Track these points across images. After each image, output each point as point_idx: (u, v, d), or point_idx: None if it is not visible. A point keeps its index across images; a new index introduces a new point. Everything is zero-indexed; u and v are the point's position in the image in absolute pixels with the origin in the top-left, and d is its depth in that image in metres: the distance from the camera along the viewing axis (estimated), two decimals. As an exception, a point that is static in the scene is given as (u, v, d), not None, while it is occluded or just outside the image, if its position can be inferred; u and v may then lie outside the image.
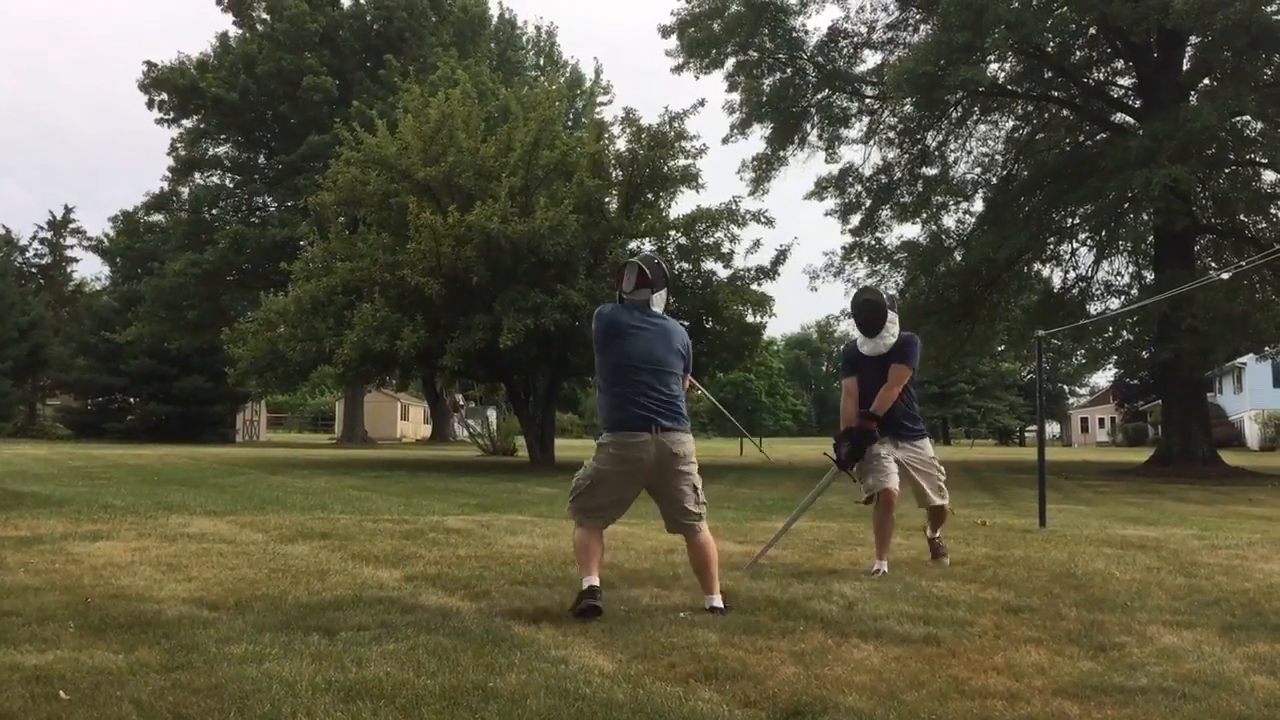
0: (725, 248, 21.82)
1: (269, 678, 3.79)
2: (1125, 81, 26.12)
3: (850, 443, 6.61)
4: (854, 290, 6.89)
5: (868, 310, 6.70)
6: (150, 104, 44.39)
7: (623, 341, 5.32)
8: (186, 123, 45.46)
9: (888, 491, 6.67)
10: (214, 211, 45.32)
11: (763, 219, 21.81)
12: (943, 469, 7.09)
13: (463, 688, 3.71)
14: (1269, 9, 18.70)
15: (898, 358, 6.64)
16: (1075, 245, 27.18)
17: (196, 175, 45.99)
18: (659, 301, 5.45)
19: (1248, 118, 21.15)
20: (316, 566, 6.52)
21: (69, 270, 63.90)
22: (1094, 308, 26.80)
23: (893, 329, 6.64)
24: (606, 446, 5.29)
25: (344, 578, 6.11)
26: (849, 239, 27.50)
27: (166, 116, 44.87)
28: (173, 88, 43.74)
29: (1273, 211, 23.44)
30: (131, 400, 46.67)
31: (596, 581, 5.15)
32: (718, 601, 5.20)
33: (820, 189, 27.20)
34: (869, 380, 6.74)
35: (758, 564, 6.73)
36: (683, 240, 21.77)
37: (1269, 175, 23.46)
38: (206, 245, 40.66)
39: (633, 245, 21.32)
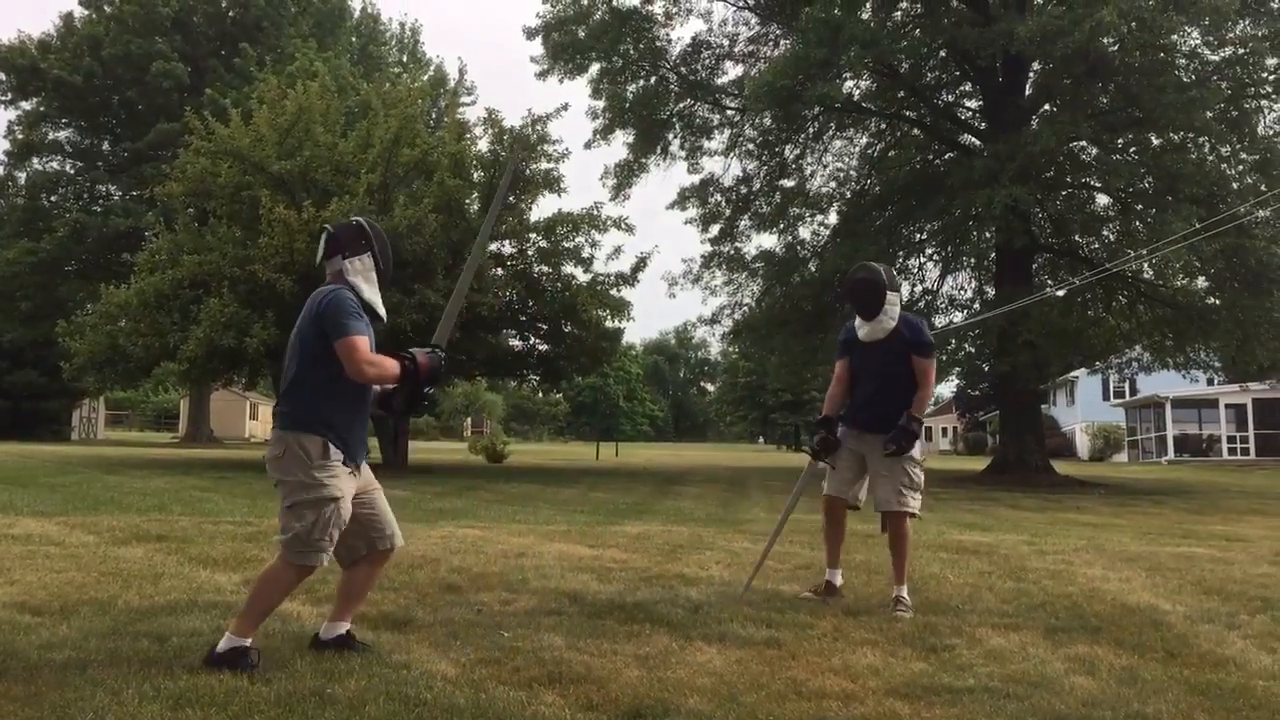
0: (585, 252, 21.93)
1: (93, 685, 3.66)
2: (972, 104, 27.12)
3: (894, 442, 5.77)
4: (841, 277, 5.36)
5: (863, 290, 5.92)
6: (-14, 84, 42.39)
7: None
8: (25, 105, 43.78)
9: (825, 498, 6.19)
10: (53, 198, 43.71)
11: (623, 225, 21.96)
12: (917, 468, 5.97)
13: (299, 694, 3.64)
14: (1105, 40, 19.64)
15: (919, 350, 5.91)
16: (923, 260, 28.01)
17: (35, 160, 44.31)
18: (355, 270, 4.36)
19: (1083, 143, 22.19)
20: (150, 570, 6.29)
21: (-110, 255, 60.15)
22: (939, 320, 27.68)
23: (892, 311, 5.89)
24: None
25: (179, 581, 5.92)
26: (708, 247, 27.85)
27: (4, 97, 43.10)
28: (11, 68, 42.09)
29: (1104, 233, 24.60)
30: (-43, 394, 44.10)
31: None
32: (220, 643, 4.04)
33: (683, 199, 27.47)
34: (863, 367, 6.03)
35: (750, 585, 6.15)
36: (543, 243, 21.76)
37: (1102, 199, 24.66)
38: (44, 233, 39.10)
39: (492, 247, 21.18)
